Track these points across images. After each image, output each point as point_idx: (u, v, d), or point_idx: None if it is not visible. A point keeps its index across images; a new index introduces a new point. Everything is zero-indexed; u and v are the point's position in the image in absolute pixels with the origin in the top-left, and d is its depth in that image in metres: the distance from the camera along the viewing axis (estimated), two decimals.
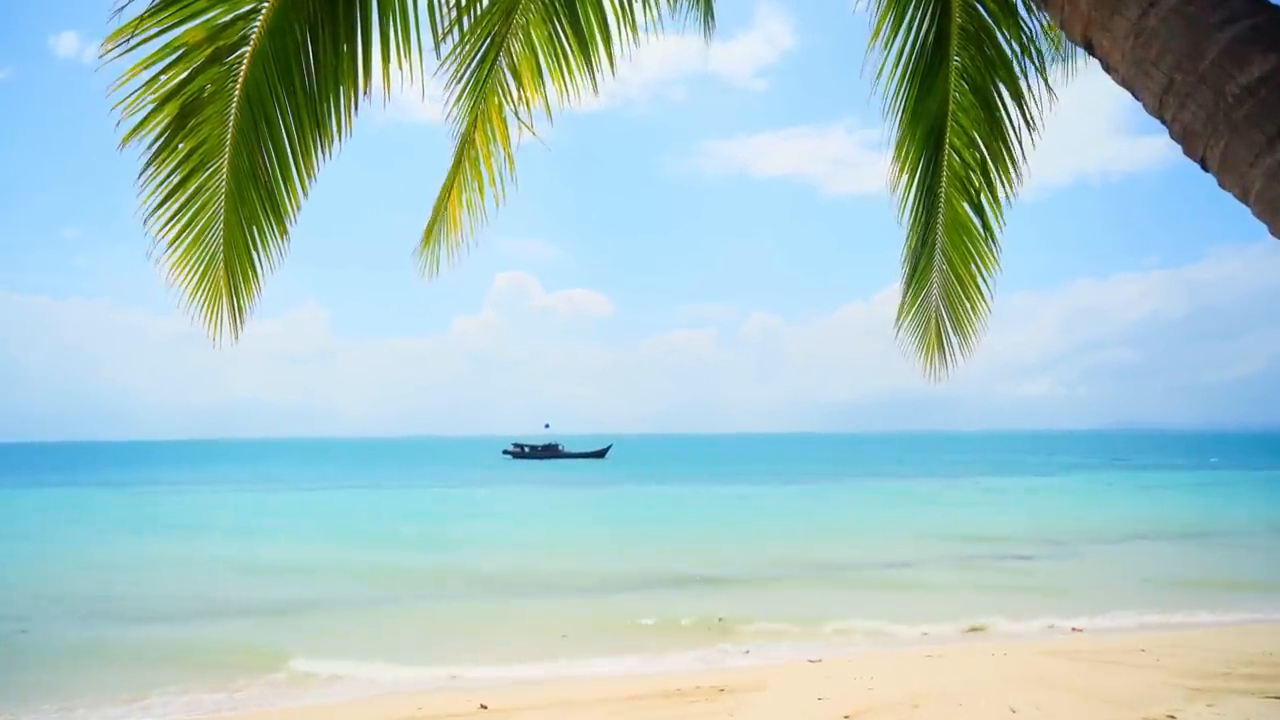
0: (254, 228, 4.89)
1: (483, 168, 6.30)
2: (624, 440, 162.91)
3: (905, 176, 5.83)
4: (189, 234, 5.01)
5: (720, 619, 14.79)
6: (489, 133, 6.19)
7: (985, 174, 5.81)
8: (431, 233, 6.51)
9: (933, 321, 6.19)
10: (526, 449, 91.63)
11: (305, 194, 4.85)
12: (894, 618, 14.76)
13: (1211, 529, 28.51)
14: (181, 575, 21.05)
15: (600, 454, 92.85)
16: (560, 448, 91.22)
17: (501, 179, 6.23)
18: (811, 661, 11.66)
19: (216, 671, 11.78)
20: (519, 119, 6.01)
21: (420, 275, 6.56)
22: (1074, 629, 13.82)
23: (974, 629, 14.08)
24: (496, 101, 6.03)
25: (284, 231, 4.90)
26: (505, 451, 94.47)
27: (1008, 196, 5.83)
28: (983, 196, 5.90)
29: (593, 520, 35.16)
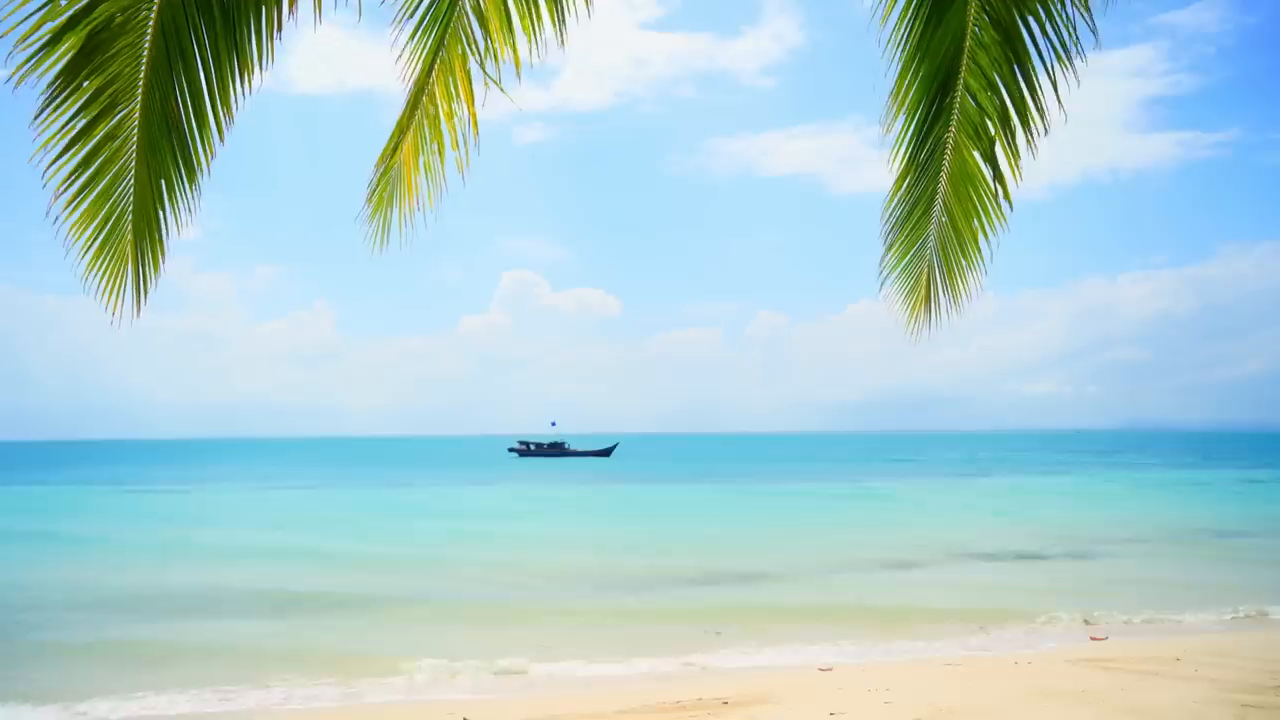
0: (163, 181, 4.18)
1: (443, 127, 5.60)
2: (630, 439, 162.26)
3: (904, 117, 5.11)
4: (93, 189, 4.28)
5: (721, 623, 14.06)
6: (451, 88, 5.48)
7: (1005, 122, 5.10)
8: (379, 197, 5.80)
9: (924, 277, 5.55)
10: (532, 446, 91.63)
11: (222, 139, 4.14)
12: (904, 621, 14.06)
13: (1226, 529, 27.67)
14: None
15: (606, 452, 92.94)
16: (566, 446, 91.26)
17: (465, 143, 5.55)
18: (822, 670, 10.93)
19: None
20: (485, 73, 5.32)
21: (367, 247, 5.85)
22: (1094, 637, 13.01)
23: (989, 633, 13.33)
24: (460, 51, 5.31)
25: (194, 183, 4.19)
26: (511, 449, 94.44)
27: (1031, 144, 5.11)
28: (998, 147, 5.20)
29: (591, 519, 34.50)
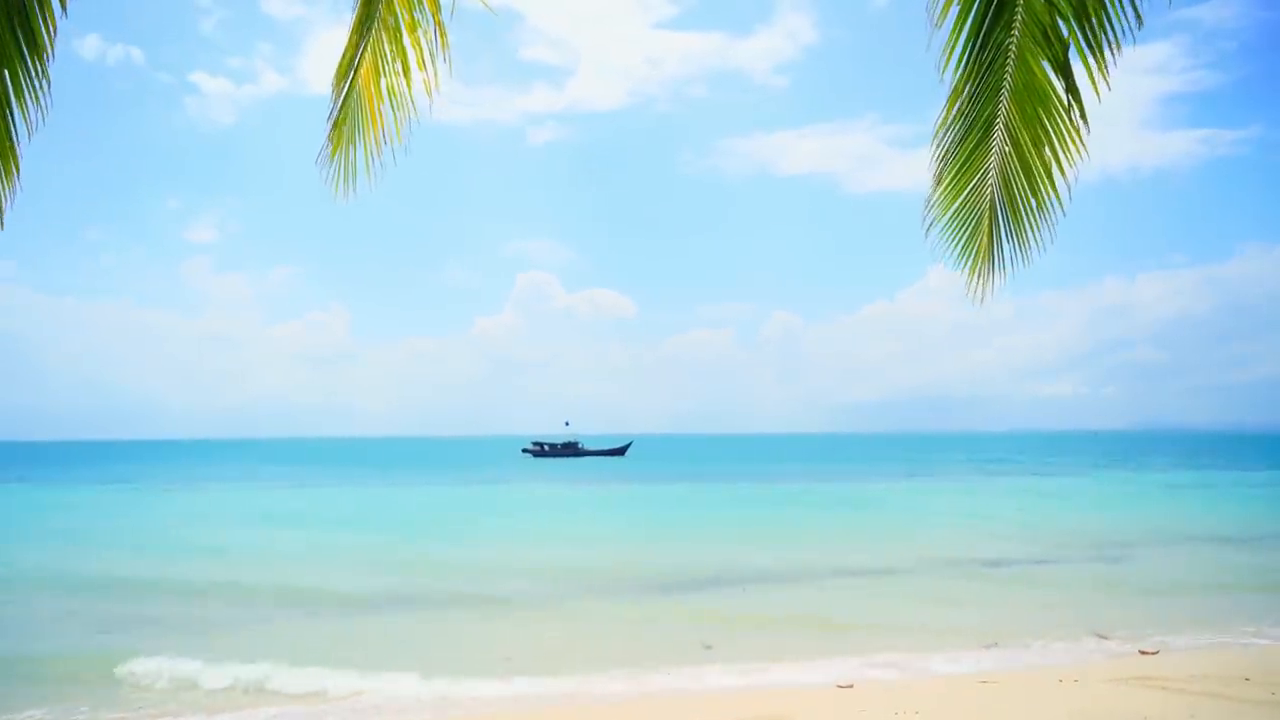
0: (6, 72, 3.25)
1: (406, 42, 4.71)
2: (643, 439, 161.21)
3: (956, 9, 4.07)
4: None
5: (731, 634, 13.06)
6: None
7: (1082, 21, 4.04)
8: (339, 132, 4.89)
9: (985, 219, 4.50)
10: (546, 447, 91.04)
11: (64, 10, 3.21)
12: (928, 633, 13.01)
13: (1257, 534, 26.41)
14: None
15: (620, 452, 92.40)
16: (580, 446, 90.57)
17: (433, 58, 4.65)
18: (841, 687, 9.93)
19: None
20: None
21: (332, 193, 4.98)
22: (1143, 651, 11.95)
23: (1025, 647, 12.27)
24: None
25: (42, 67, 3.26)
26: (525, 450, 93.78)
27: (1116, 51, 4.04)
28: (1073, 53, 4.15)
29: (601, 519, 33.51)
